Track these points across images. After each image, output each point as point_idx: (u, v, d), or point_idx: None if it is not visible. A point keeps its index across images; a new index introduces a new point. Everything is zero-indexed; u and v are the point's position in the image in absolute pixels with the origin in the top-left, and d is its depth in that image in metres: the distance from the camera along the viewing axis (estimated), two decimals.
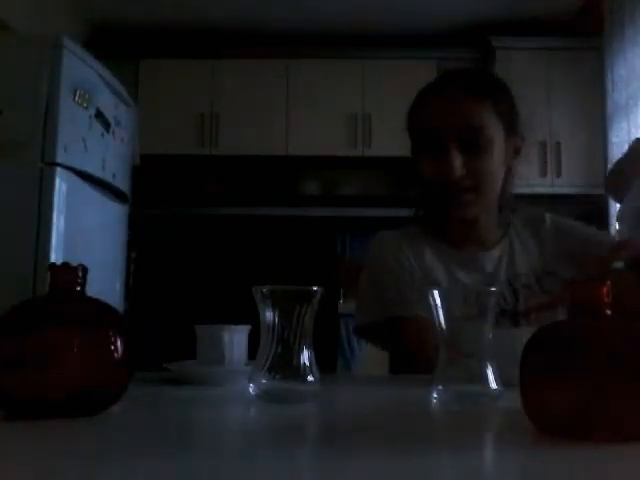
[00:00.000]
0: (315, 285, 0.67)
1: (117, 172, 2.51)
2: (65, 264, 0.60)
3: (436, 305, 0.67)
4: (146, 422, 0.57)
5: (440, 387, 0.66)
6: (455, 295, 0.70)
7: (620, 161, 2.47)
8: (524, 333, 0.70)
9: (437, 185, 1.09)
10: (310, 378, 0.65)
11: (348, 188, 3.79)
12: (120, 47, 3.66)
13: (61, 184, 2.06)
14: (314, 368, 0.66)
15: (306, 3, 3.54)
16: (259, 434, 0.55)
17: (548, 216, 1.24)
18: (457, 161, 1.05)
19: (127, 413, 0.60)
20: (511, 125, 1.11)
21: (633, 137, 2.96)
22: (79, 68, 2.19)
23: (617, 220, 2.46)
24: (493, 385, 0.65)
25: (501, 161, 1.10)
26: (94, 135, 2.29)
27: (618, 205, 3.09)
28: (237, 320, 0.85)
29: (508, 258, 1.17)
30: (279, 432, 0.54)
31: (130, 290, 2.88)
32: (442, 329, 0.67)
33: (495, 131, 1.08)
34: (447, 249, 1.17)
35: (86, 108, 2.21)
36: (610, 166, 3.20)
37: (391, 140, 3.55)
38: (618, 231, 2.50)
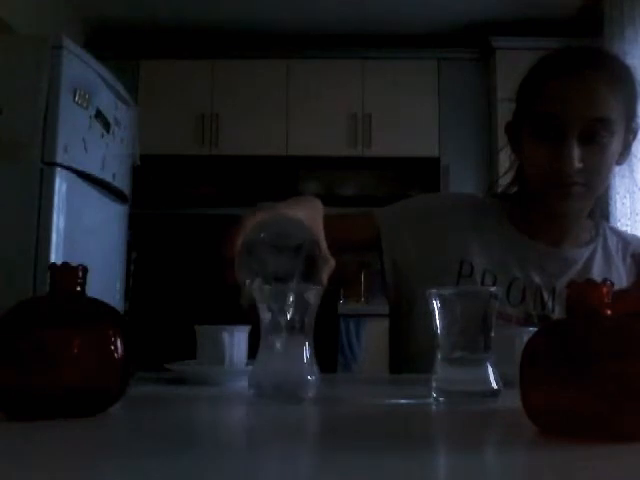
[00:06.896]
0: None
1: (117, 172, 2.51)
2: (65, 264, 0.60)
3: (436, 305, 0.67)
4: (146, 422, 0.57)
5: (440, 387, 0.66)
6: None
7: None
8: (524, 333, 0.71)
9: (547, 175, 0.98)
10: (310, 378, 0.65)
11: (348, 188, 3.78)
12: (120, 47, 3.66)
13: (61, 184, 2.06)
14: (314, 368, 0.66)
15: (306, 3, 3.54)
16: (259, 434, 0.55)
17: None
18: (576, 154, 0.94)
19: (127, 413, 0.60)
20: (631, 117, 1.01)
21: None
22: (79, 68, 2.19)
23: None
24: (493, 385, 0.65)
25: (616, 157, 1.00)
26: (94, 135, 2.29)
27: (619, 206, 3.09)
28: (237, 320, 0.85)
29: (583, 268, 1.07)
30: (279, 432, 0.54)
31: (130, 290, 2.88)
32: (442, 329, 0.67)
33: (619, 124, 0.97)
34: (518, 236, 1.08)
35: (86, 108, 2.21)
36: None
37: (391, 140, 3.60)
38: None
